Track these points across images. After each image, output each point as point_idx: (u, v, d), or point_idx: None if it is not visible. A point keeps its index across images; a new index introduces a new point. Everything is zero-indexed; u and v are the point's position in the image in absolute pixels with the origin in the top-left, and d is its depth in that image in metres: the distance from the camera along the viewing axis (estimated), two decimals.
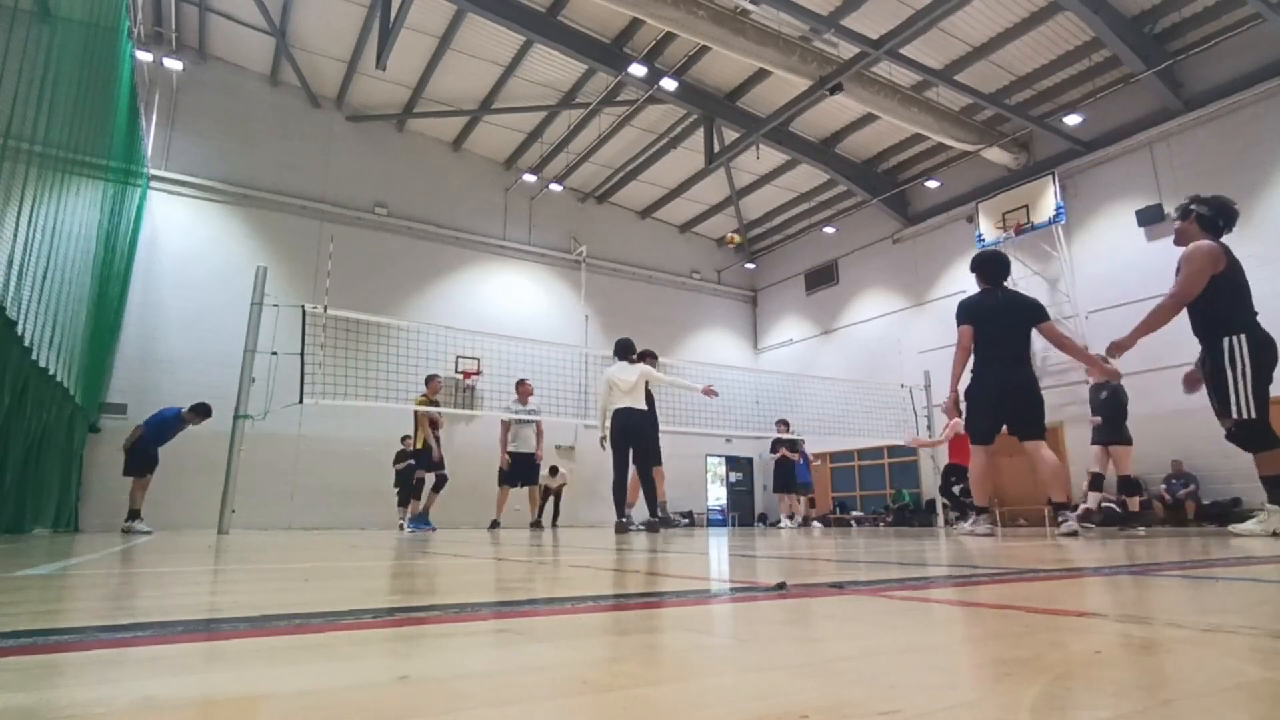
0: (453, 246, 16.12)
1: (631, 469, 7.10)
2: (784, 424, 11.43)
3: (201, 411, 8.61)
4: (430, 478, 9.64)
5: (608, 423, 6.97)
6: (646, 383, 7.11)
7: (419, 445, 9.63)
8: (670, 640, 0.93)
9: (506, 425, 9.52)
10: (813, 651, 0.84)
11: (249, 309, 7.27)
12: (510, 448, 9.45)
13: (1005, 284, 5.31)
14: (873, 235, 17.42)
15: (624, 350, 7.23)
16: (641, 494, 7.25)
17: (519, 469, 9.48)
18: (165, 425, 8.80)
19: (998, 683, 0.66)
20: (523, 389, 9.67)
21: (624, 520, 6.76)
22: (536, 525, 9.78)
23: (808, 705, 0.56)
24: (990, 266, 5.25)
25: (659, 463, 7.34)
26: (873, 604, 1.29)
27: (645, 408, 6.94)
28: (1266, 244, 11.02)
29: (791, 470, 11.61)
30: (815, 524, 11.18)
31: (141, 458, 8.70)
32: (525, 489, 9.65)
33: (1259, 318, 4.51)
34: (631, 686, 0.64)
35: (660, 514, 6.94)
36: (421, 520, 9.52)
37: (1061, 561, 2.49)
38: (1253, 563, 2.36)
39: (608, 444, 6.99)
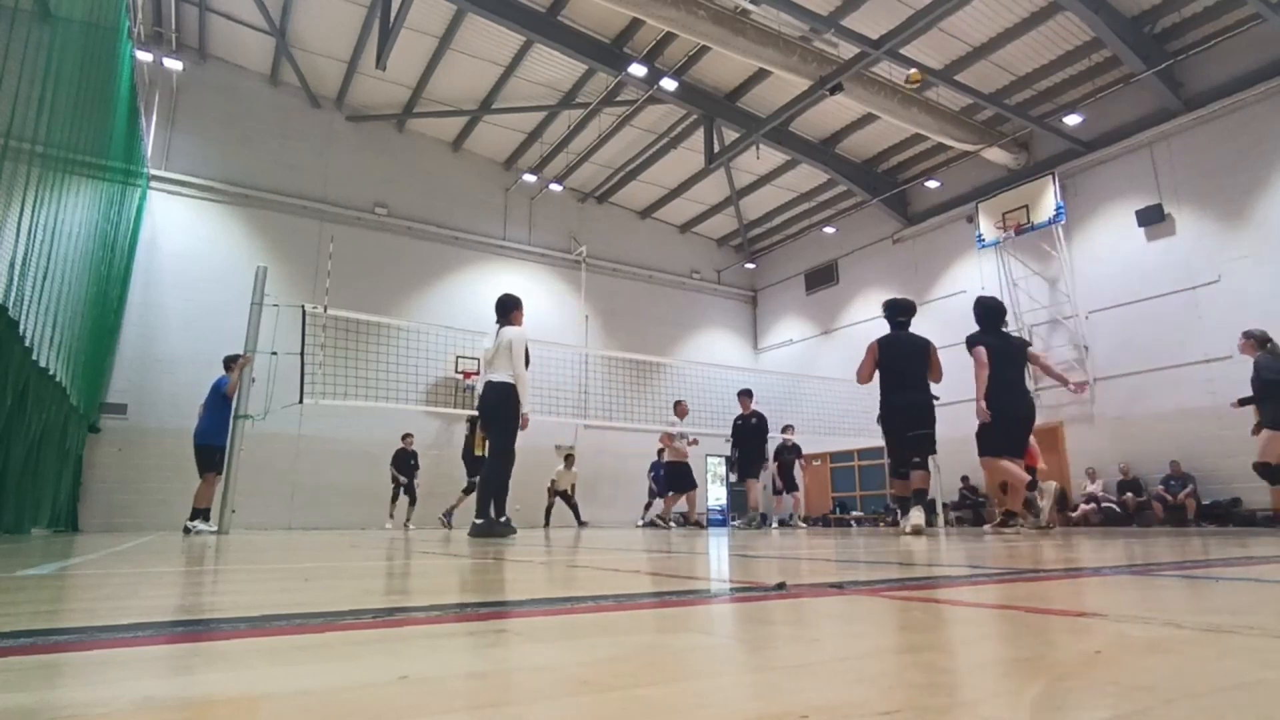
0: (453, 246, 16.12)
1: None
2: (790, 428, 12.07)
3: (229, 362, 7.68)
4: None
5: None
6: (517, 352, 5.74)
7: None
8: (670, 640, 0.93)
9: (669, 439, 10.65)
10: (813, 651, 0.84)
11: (249, 309, 7.28)
12: (668, 458, 10.70)
13: (1003, 328, 6.26)
14: (873, 235, 17.42)
15: (497, 311, 5.95)
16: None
17: (677, 478, 10.58)
18: (219, 403, 7.55)
19: (998, 683, 0.66)
20: (680, 408, 10.67)
21: (502, 519, 5.60)
22: (693, 523, 10.70)
23: (808, 705, 0.56)
24: (992, 314, 6.14)
25: (506, 454, 5.70)
26: (873, 604, 1.29)
27: (504, 380, 5.66)
28: (1266, 244, 11.01)
29: (792, 470, 12.16)
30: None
31: (199, 454, 7.53)
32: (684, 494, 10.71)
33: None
34: (631, 686, 0.64)
35: (493, 515, 5.50)
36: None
37: (1061, 561, 2.49)
38: (1253, 563, 2.36)
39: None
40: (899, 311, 6.24)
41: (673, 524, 10.71)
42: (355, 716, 0.54)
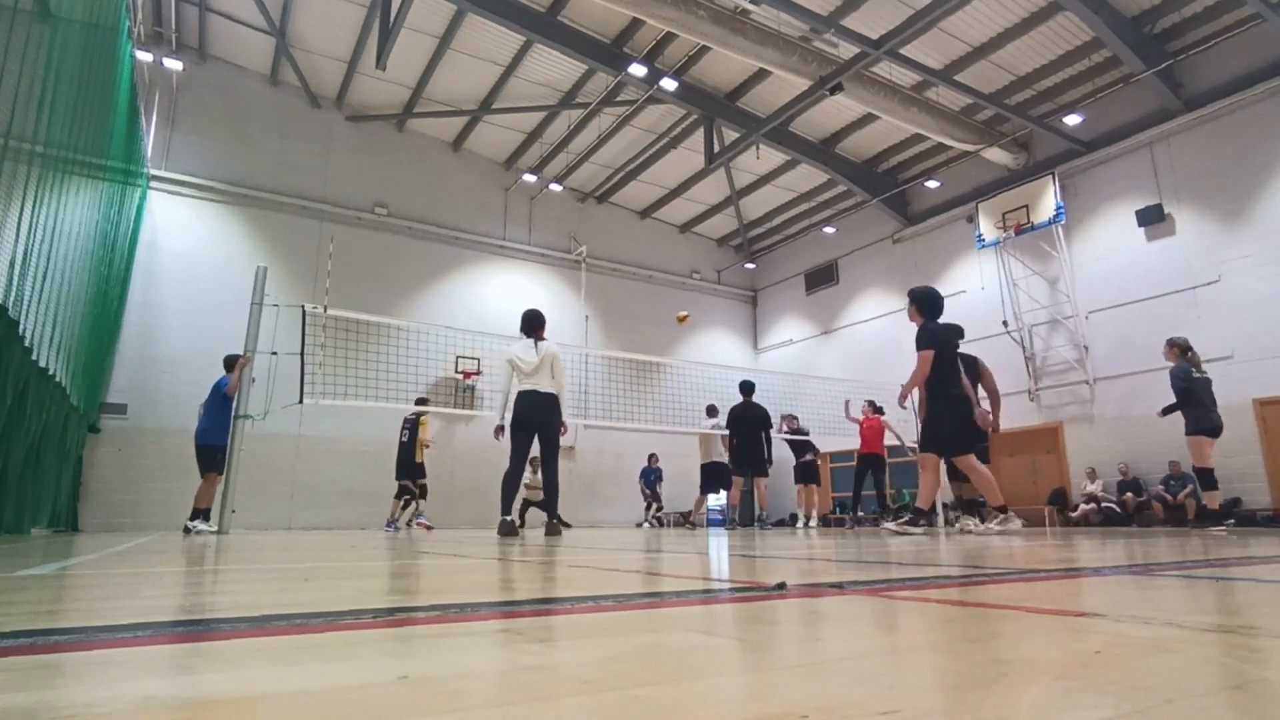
0: (453, 246, 16.12)
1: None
2: (793, 418, 12.01)
3: (229, 363, 7.70)
4: None
5: (507, 412, 6.06)
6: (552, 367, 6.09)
7: None
8: (670, 640, 0.93)
9: (707, 439, 10.58)
10: (813, 651, 0.84)
11: (249, 309, 7.27)
12: (706, 459, 10.53)
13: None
14: (873, 235, 17.42)
15: (529, 325, 6.22)
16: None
17: (714, 476, 10.50)
18: (220, 403, 7.57)
19: (998, 683, 0.66)
20: (714, 410, 10.70)
21: (509, 519, 5.80)
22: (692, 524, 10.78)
23: (808, 705, 0.56)
24: (937, 303, 6.20)
25: (557, 458, 6.14)
26: (873, 604, 1.29)
27: (552, 391, 6.01)
28: (1266, 244, 11.02)
29: (814, 462, 12.11)
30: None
31: (200, 454, 7.63)
32: (724, 491, 10.66)
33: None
34: (631, 686, 0.64)
35: (557, 518, 5.96)
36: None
37: (1061, 561, 2.49)
38: (1253, 563, 2.36)
39: (505, 434, 6.03)
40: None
41: (693, 524, 10.78)
42: (355, 716, 0.54)
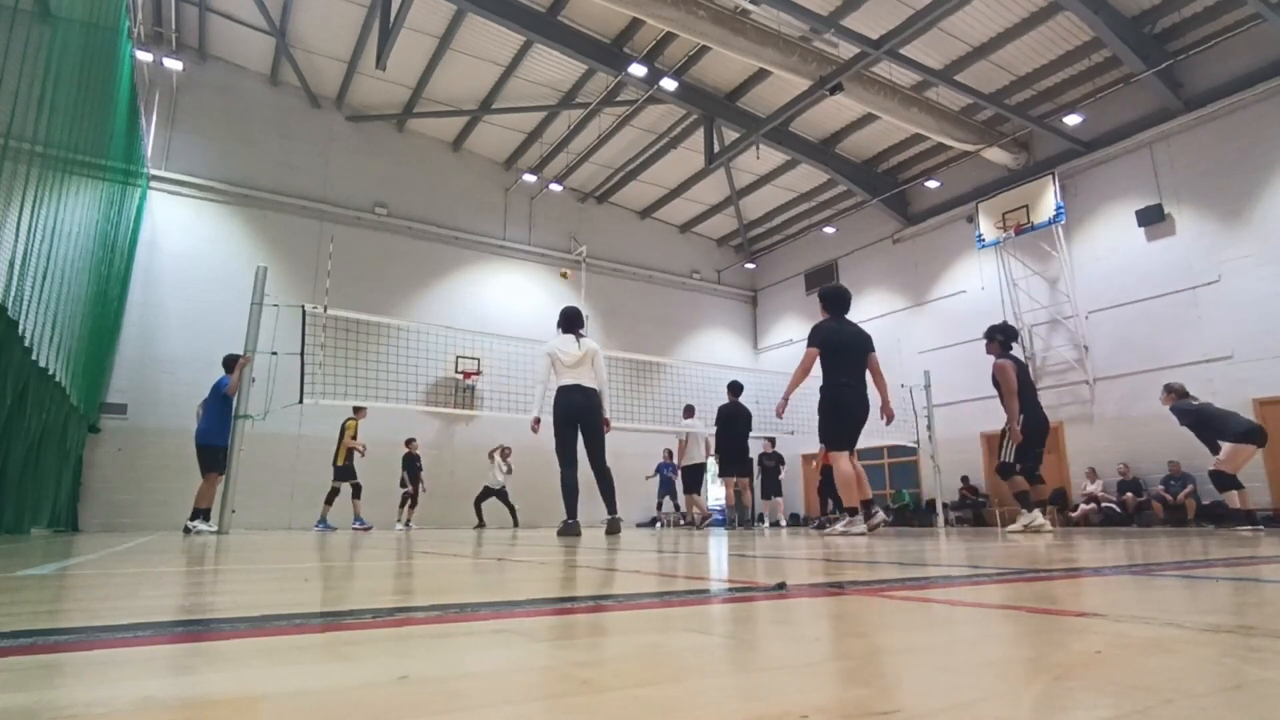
0: (453, 246, 16.12)
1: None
2: (771, 440, 12.48)
3: (229, 363, 7.73)
4: None
5: (546, 406, 6.04)
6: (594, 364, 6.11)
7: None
8: (670, 640, 0.93)
9: (683, 442, 10.84)
10: (813, 651, 0.84)
11: (249, 309, 7.26)
12: (689, 462, 10.75)
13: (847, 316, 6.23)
14: (873, 235, 17.42)
15: (570, 322, 6.20)
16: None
17: (692, 477, 10.78)
18: (220, 403, 7.60)
19: (998, 682, 0.66)
20: (690, 412, 10.94)
21: (573, 522, 5.72)
22: (690, 523, 10.91)
23: (808, 705, 0.56)
24: (840, 299, 6.16)
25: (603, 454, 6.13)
26: (873, 604, 1.29)
27: (594, 387, 6.04)
28: (1266, 244, 11.02)
29: (777, 477, 12.62)
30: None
31: (201, 454, 7.68)
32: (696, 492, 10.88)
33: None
34: (631, 686, 0.64)
35: (616, 514, 5.91)
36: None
37: (1061, 561, 2.49)
38: (1253, 563, 2.36)
39: (540, 426, 6.08)
40: (1013, 335, 6.95)
41: (689, 522, 10.99)
42: (355, 716, 0.54)
